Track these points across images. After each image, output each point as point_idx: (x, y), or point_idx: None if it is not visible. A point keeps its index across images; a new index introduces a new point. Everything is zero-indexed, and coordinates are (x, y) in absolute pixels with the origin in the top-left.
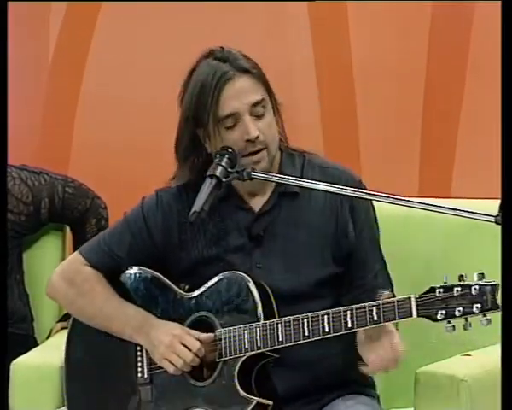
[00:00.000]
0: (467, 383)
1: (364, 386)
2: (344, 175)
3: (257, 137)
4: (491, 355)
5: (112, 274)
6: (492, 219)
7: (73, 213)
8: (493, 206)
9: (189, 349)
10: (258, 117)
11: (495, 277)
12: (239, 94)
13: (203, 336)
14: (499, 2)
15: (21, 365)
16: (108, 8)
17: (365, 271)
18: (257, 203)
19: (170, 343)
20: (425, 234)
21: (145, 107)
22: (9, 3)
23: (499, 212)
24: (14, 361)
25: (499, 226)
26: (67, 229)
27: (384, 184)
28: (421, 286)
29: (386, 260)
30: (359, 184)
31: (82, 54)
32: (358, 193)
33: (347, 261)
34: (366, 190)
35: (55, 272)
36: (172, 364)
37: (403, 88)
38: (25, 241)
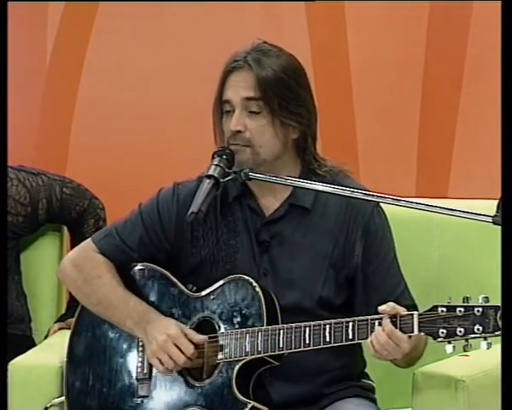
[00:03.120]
0: (465, 383)
1: (364, 389)
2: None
3: (238, 131)
4: (489, 356)
5: (122, 264)
6: (490, 219)
7: (71, 213)
8: (491, 206)
9: (182, 352)
10: (253, 115)
11: (494, 277)
12: (237, 85)
13: (198, 338)
14: (497, 2)
15: (19, 365)
16: (106, 9)
17: (383, 294)
18: (268, 208)
19: (163, 343)
20: (423, 234)
21: (143, 108)
22: (8, 3)
23: (497, 212)
24: (12, 362)
25: (497, 226)
26: (65, 230)
27: (382, 185)
28: (419, 287)
29: None
30: (375, 207)
31: (80, 54)
32: (356, 194)
33: (362, 287)
34: (381, 213)
35: (67, 256)
36: (162, 364)
37: (400, 88)
38: (22, 242)
